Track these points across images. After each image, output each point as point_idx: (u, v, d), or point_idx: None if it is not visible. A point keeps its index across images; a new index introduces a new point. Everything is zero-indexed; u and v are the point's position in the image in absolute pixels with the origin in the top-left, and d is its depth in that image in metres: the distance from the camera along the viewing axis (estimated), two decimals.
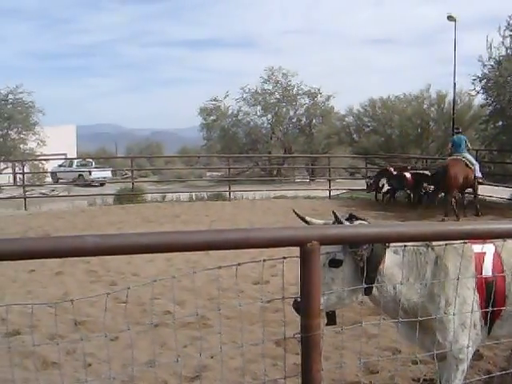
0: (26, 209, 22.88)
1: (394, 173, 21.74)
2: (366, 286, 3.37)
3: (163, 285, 8.19)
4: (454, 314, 3.66)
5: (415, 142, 36.35)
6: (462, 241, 3.35)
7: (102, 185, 36.81)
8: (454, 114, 27.58)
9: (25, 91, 32.34)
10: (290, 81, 42.05)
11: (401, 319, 3.54)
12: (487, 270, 3.80)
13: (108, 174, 40.35)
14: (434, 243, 3.72)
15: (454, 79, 26.82)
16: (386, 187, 21.60)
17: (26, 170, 29.21)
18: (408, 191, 21.69)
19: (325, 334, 2.84)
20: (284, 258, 2.61)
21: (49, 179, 36.87)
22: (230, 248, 2.26)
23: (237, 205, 22.66)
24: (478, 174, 18.46)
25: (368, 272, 3.40)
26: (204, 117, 42.71)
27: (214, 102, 42.50)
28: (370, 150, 35.13)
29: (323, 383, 2.49)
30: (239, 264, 2.58)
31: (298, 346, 5.08)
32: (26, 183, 26.40)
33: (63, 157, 43.84)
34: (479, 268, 3.79)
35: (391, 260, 3.70)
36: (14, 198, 25.53)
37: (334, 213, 3.70)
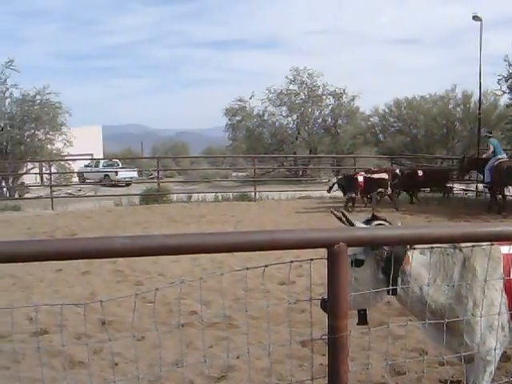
0: (52, 208, 23.08)
1: (361, 179, 20.87)
2: (389, 288, 3.36)
3: (189, 285, 8.20)
4: (481, 316, 3.63)
5: (441, 142, 36.15)
6: (489, 242, 3.32)
7: (127, 185, 37.04)
8: (479, 113, 27.34)
9: (52, 92, 32.55)
10: (315, 81, 42.05)
11: (428, 320, 3.52)
12: None
13: (134, 174, 40.61)
14: (461, 244, 3.70)
15: (480, 79, 26.57)
16: (335, 188, 20.89)
17: (52, 170, 29.45)
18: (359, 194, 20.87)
19: (351, 335, 2.83)
20: (311, 259, 2.61)
21: (75, 179, 37.16)
22: (257, 249, 2.26)
23: (262, 205, 22.66)
24: None
25: (389, 272, 3.40)
26: (229, 117, 42.85)
27: (239, 103, 42.64)
28: (396, 150, 35.00)
29: None
30: (266, 265, 2.58)
31: (324, 347, 5.07)
32: (52, 183, 26.64)
33: (89, 157, 44.17)
34: (507, 269, 3.75)
35: (417, 260, 3.67)
36: (40, 197, 25.77)
37: (343, 214, 3.69)
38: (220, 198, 25.04)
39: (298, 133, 42.25)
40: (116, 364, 6.13)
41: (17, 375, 5.83)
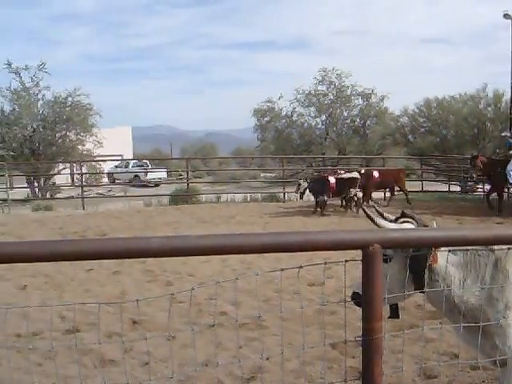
0: (83, 209, 23.29)
1: (333, 180, 19.97)
2: (415, 292, 3.33)
3: (220, 285, 8.21)
4: None
5: (471, 143, 35.75)
6: None
7: (157, 185, 37.23)
8: (511, 113, 27.03)
9: (83, 94, 32.87)
10: (343, 81, 41.90)
11: (459, 322, 3.49)
12: None
13: (163, 174, 40.81)
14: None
15: (511, 78, 26.28)
16: (303, 188, 20.16)
17: (83, 171, 29.72)
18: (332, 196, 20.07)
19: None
20: (346, 260, 2.61)
21: (105, 180, 37.42)
22: (292, 251, 2.27)
23: (291, 206, 22.63)
24: None
25: (415, 269, 3.39)
26: (258, 118, 42.86)
27: (268, 104, 42.64)
28: (426, 150, 34.67)
29: None
30: (301, 266, 2.58)
31: (354, 349, 5.05)
32: (83, 183, 26.89)
33: (119, 158, 44.47)
34: None
35: (447, 259, 3.64)
36: (71, 198, 26.02)
37: (364, 210, 3.67)
38: (249, 198, 25.07)
39: (327, 133, 42.13)
40: (147, 363, 6.16)
41: (49, 372, 5.89)
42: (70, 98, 32.73)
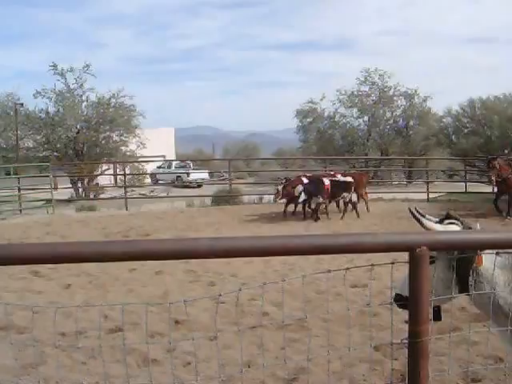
0: (126, 209, 23.50)
1: (306, 181, 19.19)
2: (460, 295, 3.29)
3: (261, 286, 8.21)
4: None
5: None
6: None
7: (199, 186, 37.39)
8: None
9: (126, 95, 33.19)
10: (386, 82, 41.62)
11: (504, 325, 3.43)
12: None
13: (205, 175, 40.96)
14: None
15: None
16: (303, 197, 18.64)
17: (126, 172, 29.99)
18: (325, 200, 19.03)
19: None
20: (393, 262, 2.59)
21: (148, 180, 37.73)
22: (341, 252, 2.27)
23: (333, 207, 22.52)
24: None
25: (459, 271, 3.35)
26: (300, 119, 42.82)
27: (310, 104, 42.56)
28: (469, 151, 34.23)
29: None
30: (348, 268, 2.57)
31: (397, 352, 5.00)
32: (126, 184, 27.15)
33: (162, 159, 44.77)
34: None
35: (493, 261, 3.58)
36: (115, 198, 26.27)
37: (411, 211, 3.63)
38: None
39: (369, 134, 41.89)
40: (189, 363, 6.19)
41: (93, 371, 5.96)
42: (113, 100, 33.07)
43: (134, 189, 29.24)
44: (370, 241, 2.30)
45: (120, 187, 29.20)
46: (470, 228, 3.62)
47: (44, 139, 33.46)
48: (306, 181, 19.05)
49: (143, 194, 29.66)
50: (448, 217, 3.76)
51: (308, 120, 42.71)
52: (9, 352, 6.36)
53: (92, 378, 5.82)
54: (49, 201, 23.75)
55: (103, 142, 33.24)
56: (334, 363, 6.01)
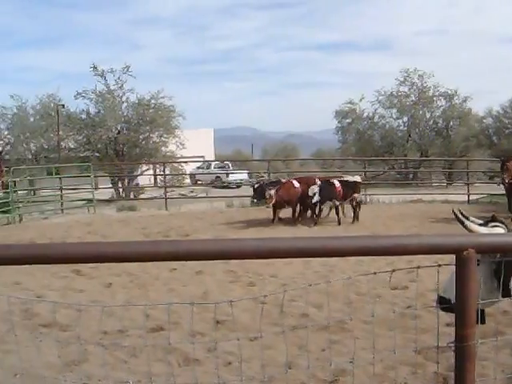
0: (166, 209, 23.64)
1: (297, 184, 18.37)
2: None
3: (301, 287, 8.22)
4: None
5: None
6: None
7: (238, 187, 37.50)
8: None
9: (166, 96, 33.42)
10: (425, 82, 41.31)
11: None
12: None
13: (244, 176, 41.06)
14: None
15: None
16: (317, 198, 17.26)
17: (166, 172, 30.20)
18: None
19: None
20: (439, 265, 2.58)
21: (187, 181, 37.94)
22: (386, 254, 2.26)
23: (373, 208, 22.40)
24: None
25: (502, 274, 3.31)
26: (339, 120, 42.74)
27: (349, 105, 42.46)
28: (511, 152, 33.80)
29: None
30: (393, 270, 2.57)
31: (439, 355, 4.95)
32: (166, 184, 27.33)
33: (201, 159, 45.01)
34: None
35: None
36: (154, 198, 26.46)
37: (455, 213, 3.59)
38: None
39: (409, 135, 41.63)
40: (229, 363, 6.22)
41: (135, 369, 6.02)
42: (153, 100, 33.34)
43: (173, 189, 29.41)
44: (415, 243, 2.29)
45: (160, 187, 29.41)
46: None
47: (85, 140, 33.90)
48: (297, 184, 18.37)
49: (183, 195, 29.80)
50: (493, 219, 3.72)
51: (347, 121, 42.65)
52: (52, 349, 6.47)
53: (134, 376, 5.87)
54: (90, 201, 24.02)
55: (143, 142, 33.53)
56: (374, 365, 5.98)
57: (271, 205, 17.89)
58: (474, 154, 39.15)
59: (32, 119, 38.04)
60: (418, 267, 2.68)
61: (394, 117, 42.33)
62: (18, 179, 23.26)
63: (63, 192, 25.45)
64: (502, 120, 39.02)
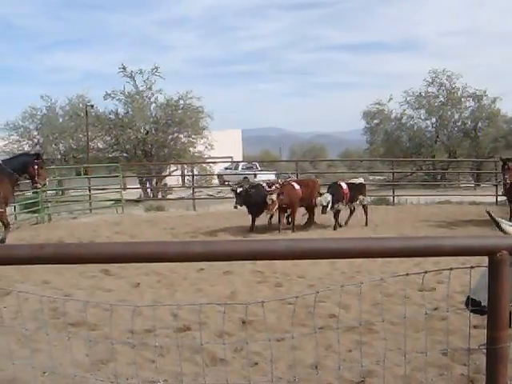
0: (194, 209, 23.71)
1: (297, 187, 17.42)
2: None
3: (329, 288, 8.21)
4: None
5: None
6: None
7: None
8: None
9: (194, 97, 33.54)
10: (454, 83, 41.05)
11: None
12: None
13: (272, 176, 41.07)
14: None
15: None
16: (329, 199, 16.62)
17: (194, 172, 30.31)
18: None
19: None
20: (472, 267, 2.56)
21: (215, 181, 38.01)
22: (421, 255, 2.25)
23: (401, 209, 22.29)
24: None
25: None
26: (367, 120, 42.62)
27: (377, 106, 42.31)
28: None
29: None
30: (426, 272, 2.55)
31: (466, 357, 4.91)
32: (194, 185, 27.41)
33: (229, 160, 45.10)
34: None
35: None
36: (182, 198, 26.55)
37: (490, 215, 3.55)
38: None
39: (437, 136, 41.41)
40: (256, 363, 6.21)
41: (162, 368, 6.04)
42: (181, 101, 33.49)
43: (201, 189, 29.50)
44: (449, 244, 2.27)
45: (188, 188, 29.51)
46: None
47: (114, 140, 34.15)
48: (297, 187, 17.43)
49: (211, 195, 29.88)
50: None
51: (375, 121, 42.50)
52: (81, 348, 6.51)
53: (161, 375, 5.89)
54: (118, 201, 24.17)
55: (171, 143, 33.68)
56: (401, 367, 5.94)
57: (274, 210, 16.68)
58: (503, 155, 38.73)
59: (61, 120, 38.38)
60: (451, 269, 2.66)
61: (423, 117, 42.23)
62: (48, 179, 23.45)
63: (92, 192, 25.64)
64: None
